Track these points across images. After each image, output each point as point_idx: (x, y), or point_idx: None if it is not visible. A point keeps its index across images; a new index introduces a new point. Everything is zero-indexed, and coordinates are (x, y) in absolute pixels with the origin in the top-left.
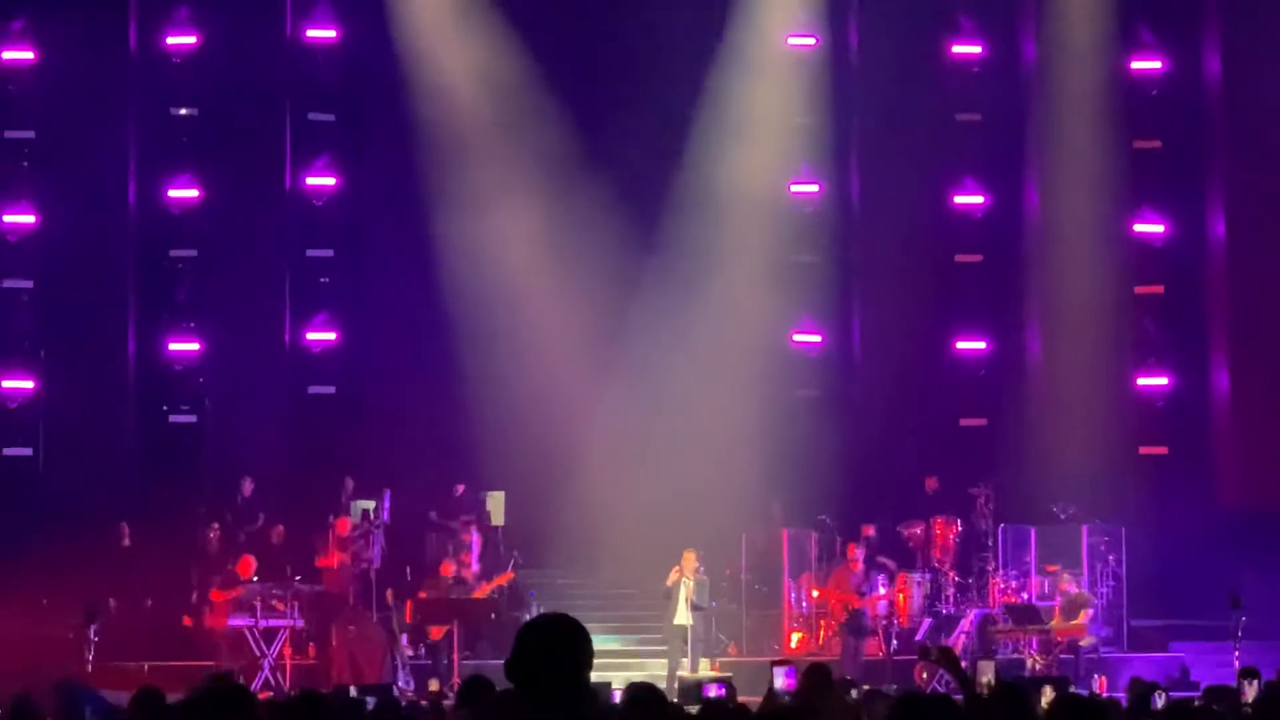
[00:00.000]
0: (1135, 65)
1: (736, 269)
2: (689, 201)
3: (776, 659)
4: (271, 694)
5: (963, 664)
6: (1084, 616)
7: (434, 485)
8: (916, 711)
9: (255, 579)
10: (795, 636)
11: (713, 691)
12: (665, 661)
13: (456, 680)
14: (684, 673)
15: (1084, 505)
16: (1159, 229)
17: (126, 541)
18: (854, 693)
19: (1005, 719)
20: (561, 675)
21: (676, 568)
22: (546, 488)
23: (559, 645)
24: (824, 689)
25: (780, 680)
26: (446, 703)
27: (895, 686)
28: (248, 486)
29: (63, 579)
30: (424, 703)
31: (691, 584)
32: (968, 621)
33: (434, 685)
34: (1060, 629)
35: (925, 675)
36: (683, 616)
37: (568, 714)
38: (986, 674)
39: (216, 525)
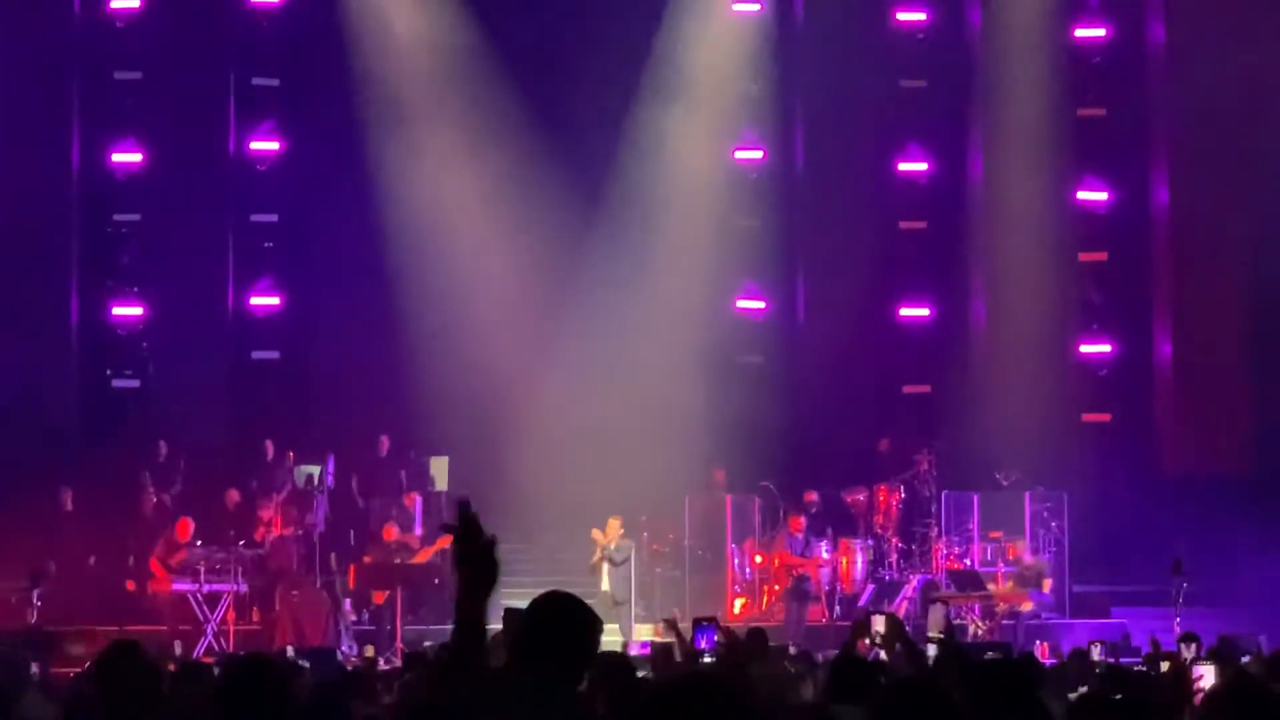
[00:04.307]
0: (1079, 32)
1: (680, 234)
2: (634, 167)
3: (700, 617)
4: (214, 659)
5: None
6: (1046, 586)
7: (378, 451)
8: (853, 675)
9: (198, 542)
10: (739, 602)
11: (634, 651)
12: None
13: (400, 645)
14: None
15: (1027, 472)
16: (1102, 196)
17: (69, 506)
18: (791, 649)
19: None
20: (572, 655)
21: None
22: (490, 453)
23: (573, 626)
24: (762, 657)
25: (701, 641)
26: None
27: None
28: (163, 448)
29: (5, 543)
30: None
31: (613, 547)
32: (910, 588)
33: (370, 651)
34: (1003, 594)
35: (867, 642)
36: (605, 583)
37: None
38: (935, 625)
39: (153, 489)
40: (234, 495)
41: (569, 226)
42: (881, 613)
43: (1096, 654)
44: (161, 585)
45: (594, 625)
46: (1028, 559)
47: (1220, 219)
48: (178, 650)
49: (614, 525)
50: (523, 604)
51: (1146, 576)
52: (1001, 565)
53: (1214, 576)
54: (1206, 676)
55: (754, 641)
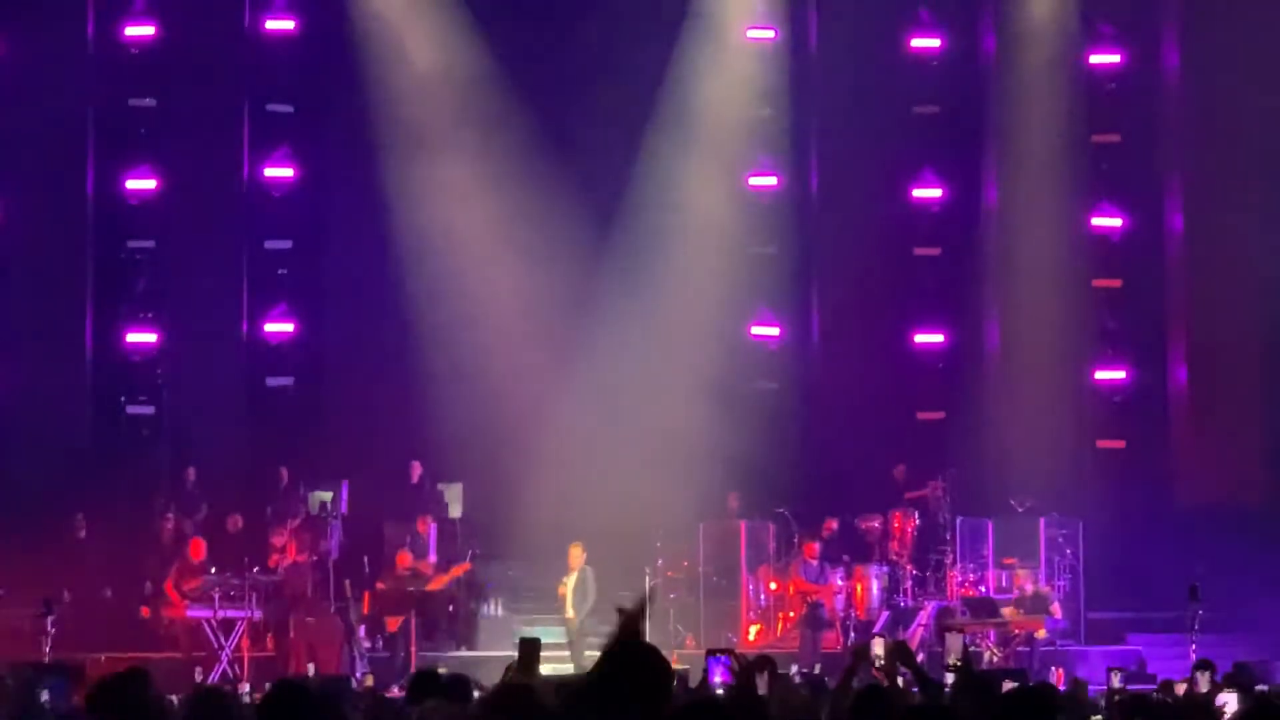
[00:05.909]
0: (1094, 59)
1: (694, 261)
2: (648, 194)
3: (716, 648)
4: (230, 687)
5: (919, 657)
6: (1057, 610)
7: (392, 477)
8: (874, 703)
9: (212, 569)
10: (753, 629)
11: None
12: None
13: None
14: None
15: (1042, 498)
16: (1117, 223)
17: (83, 533)
18: (795, 675)
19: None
20: (644, 706)
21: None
22: (504, 480)
23: (646, 675)
24: (771, 681)
25: (714, 673)
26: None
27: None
28: (191, 474)
29: (19, 571)
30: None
31: (574, 579)
32: (925, 614)
33: (369, 681)
34: (1017, 621)
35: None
36: (569, 610)
37: None
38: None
39: (170, 516)
40: (236, 520)
41: (583, 253)
42: (883, 637)
43: (1117, 681)
44: (176, 612)
45: (668, 674)
46: (1029, 588)
47: (1235, 245)
48: (198, 677)
49: (575, 553)
50: (534, 631)
51: (1161, 603)
52: (1016, 592)
53: (1228, 603)
54: (1230, 704)
55: (761, 667)
